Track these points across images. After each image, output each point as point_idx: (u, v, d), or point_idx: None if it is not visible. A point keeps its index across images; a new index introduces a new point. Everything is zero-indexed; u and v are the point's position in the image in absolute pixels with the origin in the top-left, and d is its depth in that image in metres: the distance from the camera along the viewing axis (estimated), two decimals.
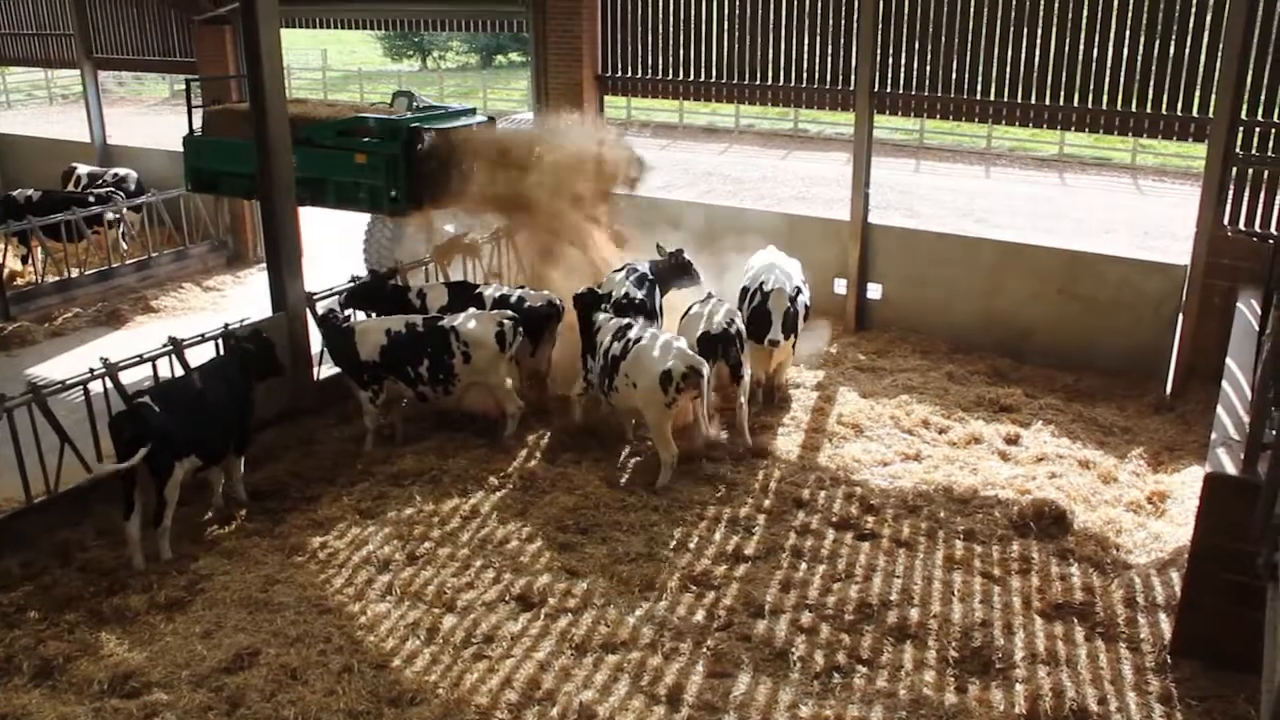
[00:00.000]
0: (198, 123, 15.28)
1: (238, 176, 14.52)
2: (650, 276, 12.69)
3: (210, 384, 10.12)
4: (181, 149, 15.60)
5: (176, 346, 11.11)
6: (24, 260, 18.63)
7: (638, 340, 10.90)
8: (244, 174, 13.99)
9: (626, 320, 11.41)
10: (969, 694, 7.68)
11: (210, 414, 9.90)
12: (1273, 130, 12.19)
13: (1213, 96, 12.43)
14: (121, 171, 20.68)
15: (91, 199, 18.80)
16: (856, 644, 8.23)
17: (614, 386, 10.95)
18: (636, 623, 8.39)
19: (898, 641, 8.28)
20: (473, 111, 15.10)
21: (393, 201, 13.62)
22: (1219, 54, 12.27)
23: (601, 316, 11.56)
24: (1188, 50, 12.58)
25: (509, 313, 11.85)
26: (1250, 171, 12.42)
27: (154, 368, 10.95)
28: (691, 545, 9.59)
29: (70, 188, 20.53)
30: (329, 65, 51.79)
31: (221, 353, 11.18)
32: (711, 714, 7.46)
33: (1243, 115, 12.26)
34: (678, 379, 10.40)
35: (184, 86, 16.34)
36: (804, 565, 9.33)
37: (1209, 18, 12.34)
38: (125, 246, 18.96)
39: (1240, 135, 12.32)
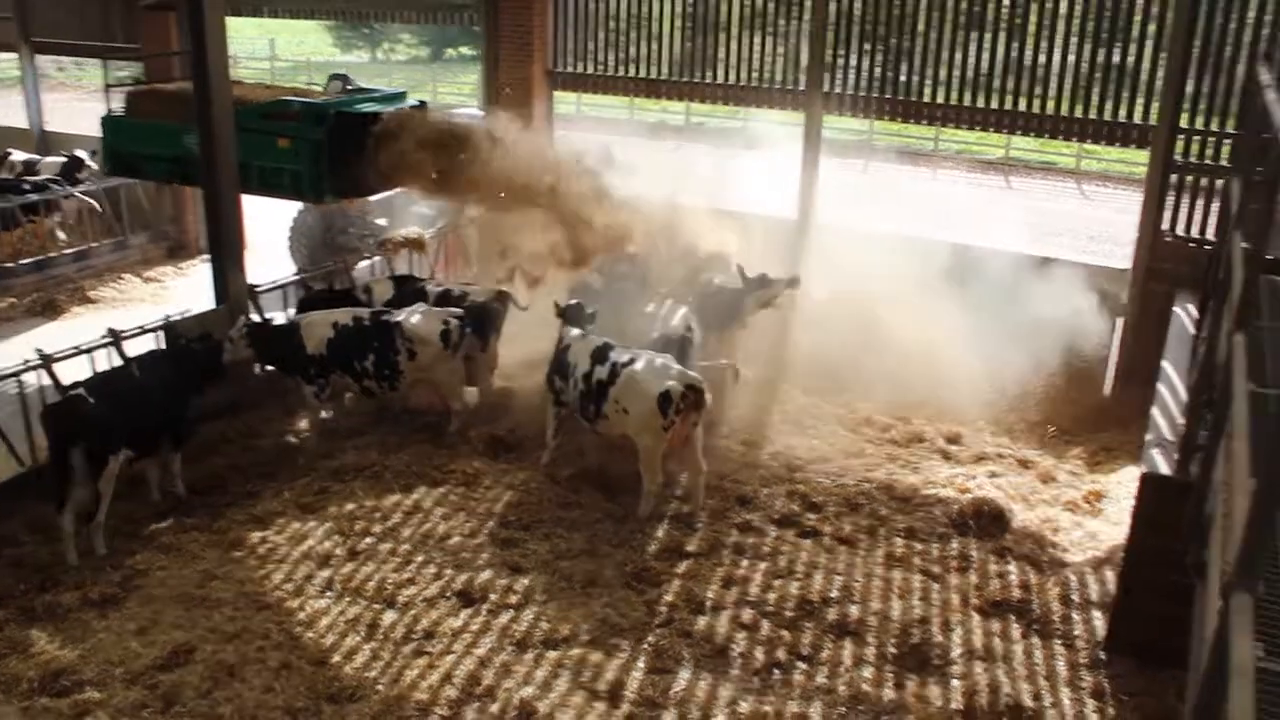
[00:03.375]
0: (116, 103, 14.81)
1: (160, 160, 14.09)
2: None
3: (147, 376, 9.95)
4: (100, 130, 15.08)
5: (116, 338, 10.91)
6: None
7: (627, 363, 10.19)
8: (166, 158, 13.69)
9: (604, 340, 10.67)
10: (907, 690, 7.77)
11: (146, 406, 9.73)
12: (1211, 139, 12.42)
13: (1154, 104, 12.65)
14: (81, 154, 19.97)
15: (26, 186, 18.35)
16: (796, 640, 8.29)
17: (602, 413, 10.26)
18: (577, 619, 8.37)
19: (837, 638, 8.36)
20: (403, 95, 14.82)
21: (315, 188, 13.31)
22: (1161, 63, 12.49)
23: (572, 334, 10.90)
24: (1131, 59, 12.81)
25: (456, 310, 11.76)
26: (1189, 179, 12.65)
27: (92, 360, 10.74)
28: (634, 542, 9.58)
29: (5, 174, 20.01)
30: (277, 55, 51.16)
31: (163, 347, 11.00)
32: (652, 710, 7.48)
33: (1183, 124, 12.49)
34: (677, 400, 9.75)
35: (126, 73, 15.88)
36: (745, 562, 9.38)
37: (1152, 28, 12.58)
38: (63, 236, 18.55)
39: (1181, 143, 12.54)
